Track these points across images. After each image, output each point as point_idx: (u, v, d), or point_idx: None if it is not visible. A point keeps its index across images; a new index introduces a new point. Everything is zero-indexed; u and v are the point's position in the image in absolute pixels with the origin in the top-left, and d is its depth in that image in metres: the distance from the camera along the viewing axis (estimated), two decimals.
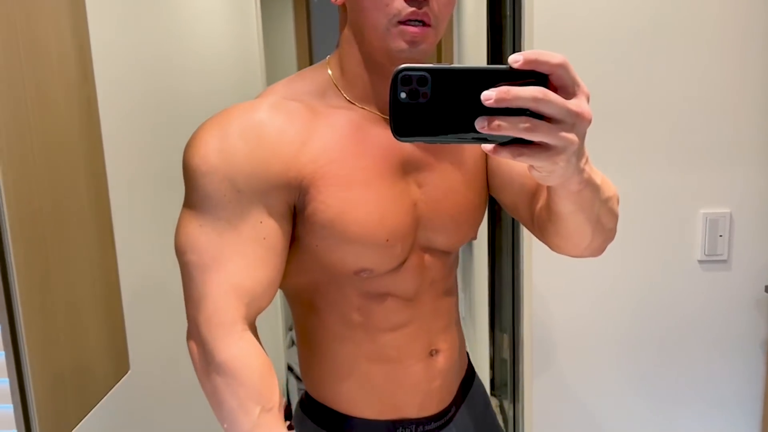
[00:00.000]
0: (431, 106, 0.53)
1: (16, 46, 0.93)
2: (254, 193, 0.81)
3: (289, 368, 3.39)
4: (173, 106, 1.62)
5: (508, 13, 1.72)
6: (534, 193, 0.89)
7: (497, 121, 0.51)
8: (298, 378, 3.38)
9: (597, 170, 0.70)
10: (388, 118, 0.84)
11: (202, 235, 0.82)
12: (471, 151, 0.95)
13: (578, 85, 0.54)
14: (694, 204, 1.54)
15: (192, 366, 1.35)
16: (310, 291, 0.93)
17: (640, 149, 1.51)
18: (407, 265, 0.92)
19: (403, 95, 0.53)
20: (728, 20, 1.47)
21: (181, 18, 1.75)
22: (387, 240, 0.87)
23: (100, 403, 1.16)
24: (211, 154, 0.80)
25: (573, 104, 0.53)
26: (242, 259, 0.82)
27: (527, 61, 0.52)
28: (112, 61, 1.26)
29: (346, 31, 0.88)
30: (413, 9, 0.79)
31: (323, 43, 4.89)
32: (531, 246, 1.58)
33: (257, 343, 0.86)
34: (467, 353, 1.13)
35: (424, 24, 0.80)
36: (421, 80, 0.52)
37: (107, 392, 1.19)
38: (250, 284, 0.82)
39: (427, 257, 0.95)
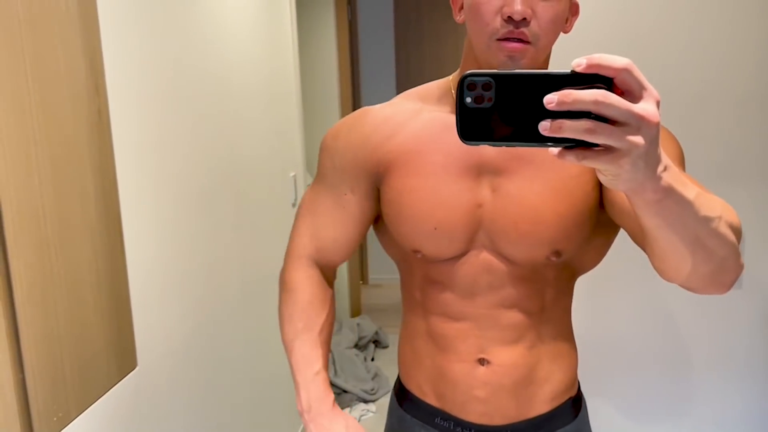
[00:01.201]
0: (496, 110, 0.54)
1: (20, 58, 1.00)
2: (345, 169, 1.04)
3: None
4: (190, 116, 1.68)
5: None
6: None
7: (558, 123, 0.51)
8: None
9: (691, 184, 0.65)
10: None
11: (309, 193, 1.11)
12: (571, 170, 0.94)
13: (646, 89, 0.53)
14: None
15: (203, 365, 1.44)
16: (399, 263, 1.10)
17: None
18: (465, 260, 0.98)
19: (468, 100, 0.54)
20: (742, 36, 1.44)
21: (205, 27, 1.81)
22: (435, 228, 0.96)
23: (104, 398, 1.23)
24: (329, 136, 1.07)
25: (638, 107, 0.52)
26: (325, 217, 1.08)
27: (590, 65, 0.52)
28: (129, 74, 1.33)
29: (465, 45, 0.98)
30: (510, 28, 0.85)
31: (368, 55, 4.93)
32: None
33: (320, 277, 1.13)
34: (576, 404, 1.08)
35: (522, 41, 0.85)
36: (486, 85, 0.54)
37: (111, 388, 1.25)
38: (324, 235, 1.09)
39: (488, 260, 0.98)
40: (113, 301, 1.26)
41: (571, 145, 0.54)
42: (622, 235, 0.95)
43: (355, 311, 4.56)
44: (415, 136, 0.98)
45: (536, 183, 0.93)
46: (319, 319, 1.09)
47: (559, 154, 0.54)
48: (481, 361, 1.00)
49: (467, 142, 0.55)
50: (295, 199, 2.99)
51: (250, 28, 2.32)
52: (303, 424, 1.03)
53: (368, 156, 1.01)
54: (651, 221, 0.67)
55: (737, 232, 0.75)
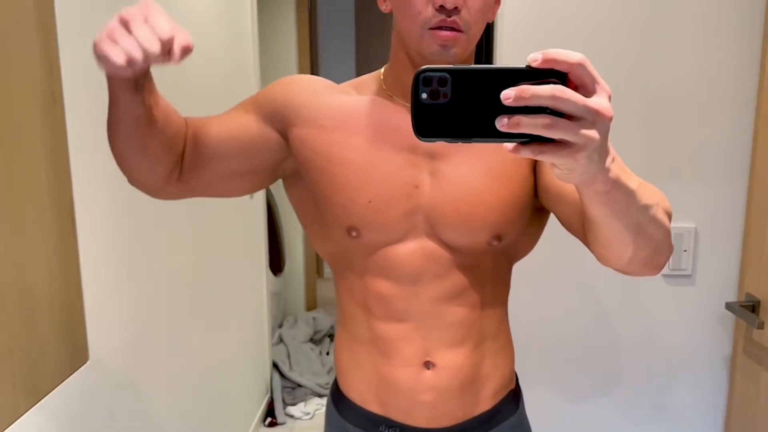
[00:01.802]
0: (452, 106, 0.53)
1: None
2: (280, 107, 0.99)
3: (274, 365, 3.42)
4: None
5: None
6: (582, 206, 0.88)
7: (516, 119, 0.52)
8: (282, 375, 3.40)
9: (633, 175, 0.69)
10: None
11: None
12: (508, 154, 0.94)
13: (599, 83, 0.54)
14: None
15: (158, 359, 1.37)
16: (337, 261, 1.04)
17: None
18: (406, 247, 0.96)
19: (424, 96, 0.53)
20: (696, 38, 1.48)
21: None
22: (369, 202, 0.93)
23: (55, 392, 1.18)
24: (290, 78, 1.04)
25: (593, 101, 0.53)
26: (225, 115, 1.02)
27: (546, 60, 0.52)
28: (85, 55, 1.28)
29: (393, 36, 0.97)
30: (442, 17, 0.85)
31: (327, 49, 4.90)
32: None
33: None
34: (515, 396, 1.09)
35: (454, 29, 0.86)
36: (442, 81, 0.53)
37: (61, 382, 1.20)
38: (208, 122, 1.00)
39: (431, 247, 0.96)
40: (64, 293, 1.21)
41: (526, 140, 0.54)
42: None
43: (311, 305, 4.53)
44: (351, 113, 0.97)
45: (475, 167, 0.93)
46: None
47: (514, 150, 0.55)
48: (427, 365, 0.98)
49: (423, 138, 0.55)
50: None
51: (211, 16, 2.27)
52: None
53: (308, 113, 0.98)
54: (598, 211, 0.69)
55: (670, 217, 0.80)
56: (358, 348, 1.03)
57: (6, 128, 1.03)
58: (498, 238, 0.95)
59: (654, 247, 0.78)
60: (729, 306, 1.50)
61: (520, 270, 1.57)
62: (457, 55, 0.88)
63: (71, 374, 1.24)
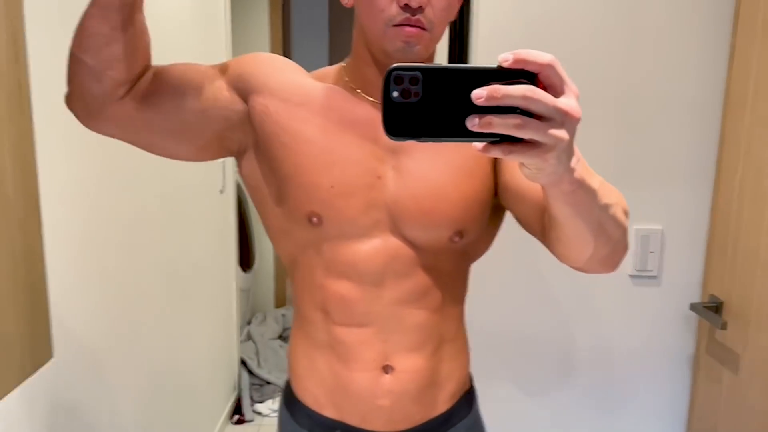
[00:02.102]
0: (423, 105, 0.53)
1: None
2: (229, 66, 0.98)
3: (243, 362, 3.39)
4: None
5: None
6: (545, 205, 0.88)
7: (487, 119, 0.52)
8: (250, 372, 3.38)
9: (595, 174, 0.70)
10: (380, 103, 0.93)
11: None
12: (471, 150, 0.94)
13: (567, 84, 0.55)
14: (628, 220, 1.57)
15: (125, 355, 1.34)
16: (297, 261, 1.01)
17: None
18: (369, 244, 0.94)
19: (395, 94, 0.53)
20: (662, 39, 1.50)
21: None
22: (332, 186, 0.92)
23: (19, 389, 1.15)
24: (264, 54, 1.01)
25: (562, 102, 0.54)
26: (192, 64, 0.98)
27: (516, 60, 0.53)
28: (53, 44, 1.25)
29: (355, 30, 0.96)
30: (407, 15, 0.85)
31: (301, 46, 4.89)
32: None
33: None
34: (470, 397, 1.08)
35: (418, 27, 0.86)
36: (413, 79, 0.53)
37: (25, 379, 1.18)
38: (174, 65, 0.96)
39: (394, 244, 0.95)
40: (29, 288, 1.19)
41: (496, 140, 0.54)
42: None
43: (280, 302, 4.51)
44: (316, 95, 0.96)
45: (438, 162, 0.93)
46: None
47: (484, 149, 0.55)
48: (386, 369, 0.97)
49: (393, 137, 0.55)
50: (224, 186, 2.92)
51: (184, 13, 2.24)
52: None
53: (274, 85, 0.95)
54: (563, 210, 0.71)
55: (627, 215, 0.82)
56: (314, 352, 1.01)
57: None
58: (460, 234, 0.95)
59: (613, 246, 0.79)
60: (693, 307, 1.53)
61: (483, 270, 1.59)
62: (420, 52, 0.88)
63: (35, 371, 1.22)
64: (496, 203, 1.00)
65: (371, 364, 0.97)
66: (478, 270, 1.60)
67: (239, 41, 3.74)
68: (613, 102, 1.52)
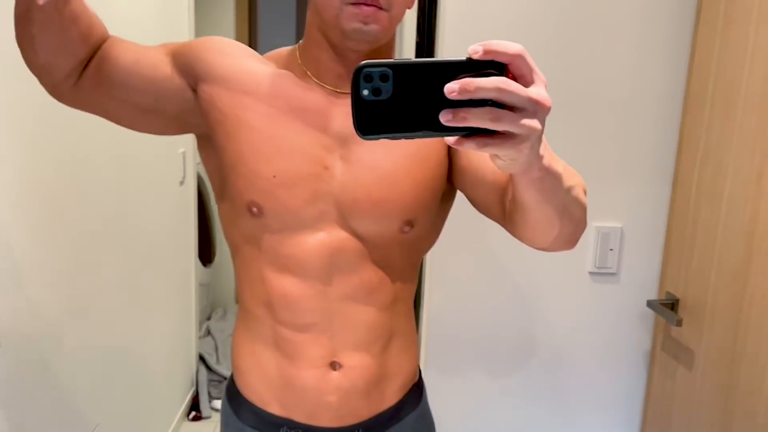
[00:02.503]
0: (394, 101, 0.52)
1: None
2: (179, 51, 0.96)
3: (201, 358, 3.33)
4: None
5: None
6: (505, 188, 0.87)
7: (462, 113, 0.51)
8: (209, 368, 3.33)
9: (558, 158, 0.71)
10: (332, 90, 0.91)
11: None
12: (424, 141, 0.93)
13: (536, 73, 0.55)
14: (588, 217, 1.56)
15: (74, 348, 1.29)
16: (241, 252, 0.99)
17: None
18: (313, 237, 0.92)
19: (365, 92, 0.52)
20: (625, 35, 1.52)
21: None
22: (274, 176, 0.90)
23: None
24: (215, 39, 0.98)
25: (533, 92, 0.53)
26: (143, 48, 0.97)
27: (486, 52, 0.52)
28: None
29: (309, 13, 0.93)
30: None
31: (267, 41, 4.84)
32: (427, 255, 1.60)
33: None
34: (419, 389, 1.08)
35: (375, 6, 0.84)
36: (383, 76, 0.52)
37: None
38: (125, 47, 0.95)
39: (339, 237, 0.92)
40: None
41: (467, 133, 0.54)
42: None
43: None
44: (264, 81, 0.93)
45: (390, 150, 0.91)
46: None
47: (457, 143, 0.54)
48: (333, 365, 0.96)
49: (365, 136, 0.53)
50: (184, 177, 2.86)
51: (145, 9, 2.18)
52: None
53: (219, 73, 0.94)
54: (531, 196, 0.71)
55: (585, 193, 0.84)
56: (259, 348, 0.98)
57: None
58: (410, 223, 0.94)
59: (575, 225, 0.81)
60: (650, 304, 1.55)
61: (441, 264, 1.59)
62: (378, 33, 0.86)
63: None
64: (447, 189, 0.99)
65: (318, 361, 0.95)
66: (437, 264, 1.61)
67: (202, 21, 3.67)
68: (574, 100, 1.53)
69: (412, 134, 0.54)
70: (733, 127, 1.33)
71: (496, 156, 0.59)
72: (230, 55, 0.96)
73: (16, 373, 1.32)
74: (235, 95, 0.92)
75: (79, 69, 0.90)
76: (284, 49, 1.00)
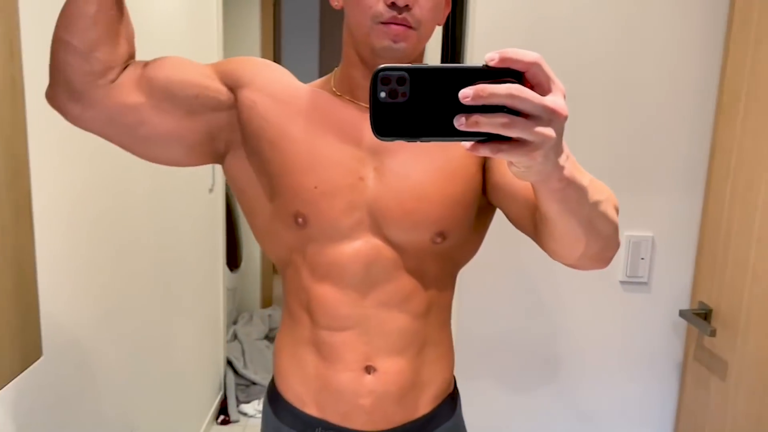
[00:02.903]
0: (411, 105, 0.53)
1: None
2: (218, 64, 0.99)
3: (228, 362, 3.37)
4: None
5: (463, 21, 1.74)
6: (536, 203, 0.88)
7: (474, 118, 0.52)
8: (236, 372, 3.36)
9: (585, 172, 0.70)
10: (364, 105, 0.95)
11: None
12: (455, 151, 0.95)
13: (554, 82, 0.55)
14: (619, 226, 1.58)
15: (112, 354, 1.32)
16: (285, 264, 1.02)
17: None
18: (351, 246, 0.94)
19: (382, 95, 0.53)
20: (656, 44, 1.52)
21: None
22: (315, 187, 0.92)
23: (7, 389, 1.14)
24: (257, 59, 1.02)
25: (548, 100, 0.54)
26: (178, 58, 0.98)
27: (502, 59, 0.53)
28: (47, 40, 1.24)
29: (344, 33, 0.97)
30: (393, 14, 0.86)
31: (291, 47, 4.88)
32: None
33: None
34: (453, 400, 1.08)
35: (405, 26, 0.87)
36: (400, 80, 0.53)
37: (13, 378, 1.16)
38: (161, 58, 0.96)
39: (376, 246, 0.94)
40: (19, 287, 1.17)
41: (484, 138, 0.54)
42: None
43: (266, 302, 4.49)
44: (300, 96, 0.97)
45: (420, 163, 0.93)
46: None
47: (472, 148, 0.55)
48: (368, 369, 0.98)
49: (381, 137, 0.55)
50: (213, 185, 2.90)
51: (176, 12, 2.22)
52: None
53: (261, 81, 0.97)
54: (553, 207, 0.71)
55: (617, 211, 0.82)
56: (299, 350, 1.01)
57: None
58: (442, 235, 0.95)
59: (604, 242, 0.80)
60: (682, 313, 1.54)
61: (473, 274, 1.60)
62: (407, 50, 0.89)
63: (24, 370, 1.20)
64: (483, 204, 1.00)
65: (354, 364, 0.97)
66: (467, 274, 1.62)
67: (230, 43, 3.73)
68: (607, 110, 1.54)
69: (428, 138, 0.55)
70: (767, 135, 1.32)
71: (512, 163, 0.60)
72: (270, 69, 0.99)
73: (59, 379, 1.36)
74: (278, 104, 0.95)
75: (117, 66, 0.90)
76: (318, 80, 1.04)
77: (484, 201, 0.99)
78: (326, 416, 1.00)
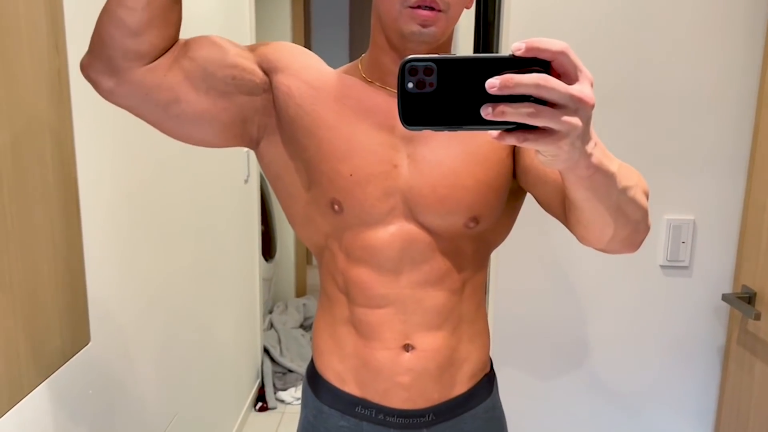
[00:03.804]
0: (438, 95, 0.54)
1: None
2: (253, 47, 0.99)
3: (265, 350, 3.42)
4: None
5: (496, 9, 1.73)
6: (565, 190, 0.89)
7: (501, 108, 0.53)
8: (273, 360, 3.41)
9: (614, 158, 0.70)
10: (395, 91, 0.93)
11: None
12: (486, 136, 0.95)
13: (581, 71, 0.55)
14: (659, 210, 1.56)
15: (155, 342, 1.34)
16: (320, 248, 1.04)
17: None
18: (386, 231, 0.95)
19: (410, 85, 0.54)
20: (699, 23, 1.49)
21: None
22: (351, 175, 0.93)
23: (57, 374, 1.17)
24: (292, 45, 1.02)
25: (575, 89, 0.54)
26: (217, 36, 0.97)
27: (529, 49, 0.53)
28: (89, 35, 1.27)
29: (373, 19, 0.97)
30: None
31: (321, 39, 4.90)
32: (497, 250, 1.60)
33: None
34: (490, 381, 1.09)
35: (434, 9, 0.87)
36: (427, 70, 0.54)
37: (64, 363, 1.20)
38: (200, 37, 0.96)
39: (409, 231, 0.96)
40: (68, 273, 1.21)
41: (512, 127, 0.55)
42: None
43: (301, 292, 4.53)
44: (333, 83, 0.97)
45: (452, 149, 0.94)
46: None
47: (499, 137, 0.56)
48: (406, 347, 0.99)
49: (409, 127, 0.56)
50: (248, 176, 2.93)
51: (209, 8, 2.25)
52: None
53: (296, 67, 0.97)
54: (581, 194, 0.71)
55: (647, 196, 0.82)
56: (338, 330, 1.03)
57: (13, 108, 1.02)
58: (475, 220, 0.96)
59: (633, 227, 0.80)
60: (725, 297, 1.52)
61: (511, 258, 1.60)
62: (436, 34, 0.88)
63: (74, 355, 1.24)
64: (514, 187, 1.00)
65: (392, 342, 0.98)
66: (504, 257, 1.61)
67: (261, 32, 3.76)
68: (646, 89, 1.51)
69: (455, 127, 0.55)
70: None
71: (539, 152, 0.60)
72: (305, 55, 1.00)
73: (106, 364, 1.40)
74: (312, 90, 0.96)
75: (161, 50, 0.90)
76: (347, 65, 1.04)
77: (515, 184, 1.00)
78: (366, 395, 1.02)
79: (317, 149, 0.95)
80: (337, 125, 0.94)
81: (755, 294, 1.46)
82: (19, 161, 1.03)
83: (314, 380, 1.08)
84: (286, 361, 3.41)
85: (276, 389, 3.23)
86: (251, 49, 0.99)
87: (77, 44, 1.22)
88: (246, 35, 2.86)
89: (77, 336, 1.26)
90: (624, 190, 0.74)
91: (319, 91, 0.96)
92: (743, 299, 1.48)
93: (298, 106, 0.96)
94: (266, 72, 0.98)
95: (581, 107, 0.55)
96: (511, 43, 1.52)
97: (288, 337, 3.69)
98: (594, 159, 0.63)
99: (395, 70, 0.94)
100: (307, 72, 0.97)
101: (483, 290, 1.07)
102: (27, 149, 1.06)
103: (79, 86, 1.23)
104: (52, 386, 1.16)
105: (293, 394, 3.19)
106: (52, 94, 1.13)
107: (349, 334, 1.02)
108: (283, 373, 3.36)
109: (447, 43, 0.96)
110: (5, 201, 1.00)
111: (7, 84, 1.00)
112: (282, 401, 3.17)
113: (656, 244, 1.58)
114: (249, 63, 0.96)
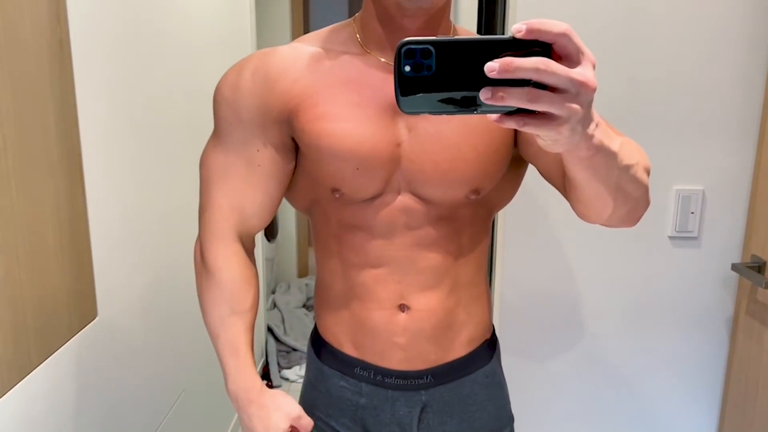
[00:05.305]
0: (436, 78, 0.53)
1: None
2: (254, 124, 0.94)
3: (269, 329, 3.43)
4: (153, 60, 1.60)
5: None
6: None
7: (501, 92, 0.51)
8: (277, 339, 3.42)
9: (615, 136, 0.69)
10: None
11: (213, 153, 1.00)
12: None
13: (583, 53, 0.54)
14: (668, 180, 1.55)
15: (162, 318, 1.35)
16: (311, 212, 1.04)
17: (616, 125, 1.51)
18: (380, 202, 0.95)
19: (407, 68, 0.53)
20: (707, 1, 1.46)
21: None
22: (357, 169, 0.91)
23: (64, 348, 1.17)
24: (226, 87, 0.96)
25: (576, 73, 0.52)
26: (241, 181, 0.98)
27: (530, 31, 0.52)
28: (92, 3, 1.24)
29: None
30: None
31: (320, 13, 4.86)
32: (505, 218, 1.59)
33: (243, 254, 1.03)
34: (491, 346, 1.09)
35: None
36: (425, 53, 0.52)
37: (71, 338, 1.19)
38: (245, 203, 0.99)
39: (405, 201, 0.95)
40: (74, 247, 1.20)
41: (512, 110, 0.54)
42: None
43: (303, 272, 4.54)
44: (324, 78, 0.92)
45: (453, 121, 0.92)
46: (246, 302, 1.02)
47: (499, 120, 0.55)
48: (402, 308, 0.99)
49: (407, 111, 0.54)
50: None
51: (210, 6, 2.22)
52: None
53: (276, 103, 0.93)
54: (581, 174, 0.70)
55: (648, 173, 0.82)
56: (335, 292, 1.03)
57: (15, 78, 1.00)
58: (476, 191, 0.95)
59: (633, 204, 0.80)
60: (735, 267, 1.51)
61: (519, 229, 1.59)
62: (429, 4, 0.85)
63: (81, 330, 1.23)
64: (516, 154, 0.98)
65: (387, 302, 0.99)
66: (512, 226, 1.60)
67: (262, 32, 3.72)
68: (657, 60, 1.49)
69: (454, 111, 0.54)
70: None
71: (539, 135, 0.58)
72: (270, 81, 0.94)
73: (113, 340, 1.39)
74: (310, 109, 0.92)
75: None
76: (339, 26, 0.98)
77: (517, 152, 0.98)
78: (364, 356, 1.03)
79: (318, 160, 0.94)
80: (336, 129, 0.90)
81: (765, 263, 1.46)
82: (22, 132, 1.02)
83: (316, 342, 1.10)
84: (289, 340, 3.41)
85: (280, 368, 3.24)
86: (249, 129, 0.96)
87: (78, 14, 1.20)
88: (246, 35, 2.83)
89: (85, 310, 1.25)
90: (625, 169, 0.73)
91: (303, 112, 0.92)
92: (753, 269, 1.47)
93: (306, 140, 0.93)
94: (259, 126, 0.95)
95: (582, 91, 0.53)
96: (517, 20, 1.49)
97: (291, 316, 3.69)
98: (595, 140, 0.62)
99: (389, 40, 0.91)
100: (299, 94, 0.92)
101: (484, 254, 1.06)
102: (30, 121, 1.04)
103: (80, 56, 1.21)
104: (59, 361, 1.16)
105: (297, 372, 3.21)
106: (53, 64, 1.11)
107: (344, 295, 1.02)
108: (287, 352, 3.37)
109: (444, 10, 0.92)
110: (10, 173, 0.98)
111: (8, 55, 0.98)
112: (286, 379, 3.18)
113: (665, 215, 1.56)
114: (264, 161, 0.97)
